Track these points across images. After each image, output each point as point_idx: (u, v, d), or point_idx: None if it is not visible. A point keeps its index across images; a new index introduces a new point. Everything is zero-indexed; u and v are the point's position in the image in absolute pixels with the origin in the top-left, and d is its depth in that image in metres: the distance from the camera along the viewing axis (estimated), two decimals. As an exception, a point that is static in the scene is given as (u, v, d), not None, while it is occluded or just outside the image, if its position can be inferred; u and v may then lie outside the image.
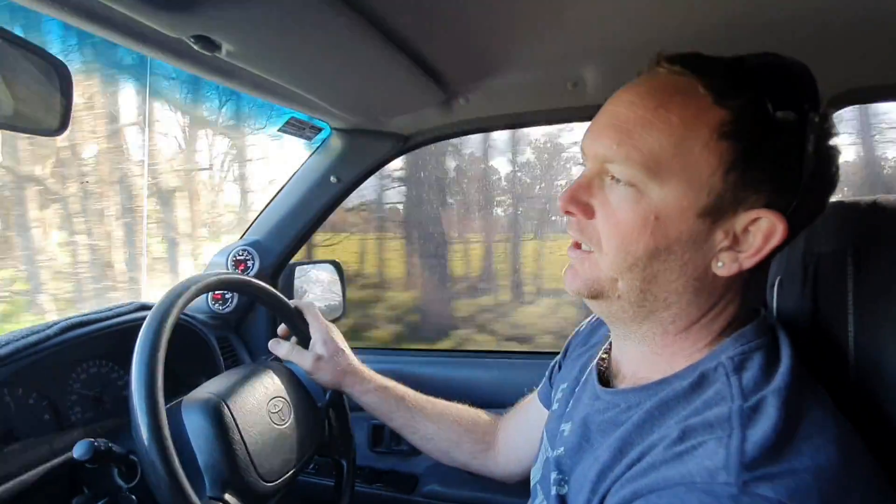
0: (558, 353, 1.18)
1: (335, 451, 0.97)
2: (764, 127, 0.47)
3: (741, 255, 0.50)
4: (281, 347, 0.96)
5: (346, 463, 0.97)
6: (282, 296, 0.95)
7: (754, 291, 0.56)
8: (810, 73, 0.49)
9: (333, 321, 1.48)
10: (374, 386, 0.95)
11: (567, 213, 0.54)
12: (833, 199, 0.54)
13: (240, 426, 0.76)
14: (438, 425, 0.93)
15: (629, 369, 0.60)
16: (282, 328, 0.99)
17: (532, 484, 0.70)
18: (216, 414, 0.75)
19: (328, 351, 0.94)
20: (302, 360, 0.94)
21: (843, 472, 0.41)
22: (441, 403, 0.97)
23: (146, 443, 0.64)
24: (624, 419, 0.53)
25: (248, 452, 0.75)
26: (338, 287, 1.52)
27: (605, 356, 0.66)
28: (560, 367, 0.81)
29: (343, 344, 0.97)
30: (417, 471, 1.27)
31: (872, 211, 0.59)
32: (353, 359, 0.97)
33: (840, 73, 0.92)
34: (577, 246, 0.56)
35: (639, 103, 0.50)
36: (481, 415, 0.96)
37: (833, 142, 0.50)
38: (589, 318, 0.81)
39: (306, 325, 0.97)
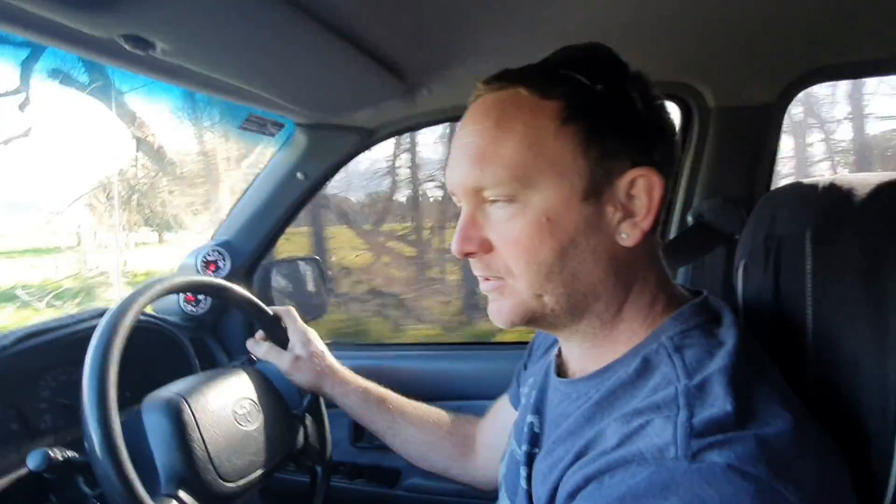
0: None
1: (309, 458, 0.96)
2: (591, 101, 0.51)
3: (637, 220, 0.51)
4: (259, 347, 0.95)
5: (320, 470, 0.96)
6: (255, 298, 0.94)
7: (660, 256, 0.58)
8: (608, 49, 0.54)
9: (315, 318, 1.48)
10: (354, 387, 0.94)
11: (466, 255, 0.55)
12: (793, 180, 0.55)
13: (200, 424, 0.75)
14: (419, 428, 0.92)
15: (577, 365, 0.60)
16: (259, 333, 0.99)
17: (498, 479, 0.69)
18: (174, 411, 0.74)
19: (306, 352, 0.94)
20: (280, 360, 0.93)
21: (793, 440, 0.41)
22: (422, 407, 0.96)
23: (98, 451, 0.63)
24: (573, 410, 0.53)
25: (208, 451, 0.74)
26: (319, 284, 1.51)
27: (558, 351, 0.67)
28: (526, 367, 0.81)
29: (322, 346, 0.97)
30: (399, 465, 1.27)
31: (830, 191, 0.58)
32: (333, 361, 0.96)
33: (808, 50, 0.91)
34: (487, 279, 0.56)
35: (480, 126, 0.52)
36: (464, 419, 0.95)
37: (652, 94, 0.54)
38: None
39: (284, 329, 0.97)
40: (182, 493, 0.70)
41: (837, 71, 0.95)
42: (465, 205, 0.55)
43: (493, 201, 0.52)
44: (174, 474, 0.72)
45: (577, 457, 0.48)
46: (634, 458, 0.42)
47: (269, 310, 0.97)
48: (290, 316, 0.98)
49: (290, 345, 0.95)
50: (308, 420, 0.97)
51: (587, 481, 0.44)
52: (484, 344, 1.44)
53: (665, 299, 0.55)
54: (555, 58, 0.55)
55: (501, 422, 0.86)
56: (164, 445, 0.73)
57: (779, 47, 0.89)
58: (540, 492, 0.53)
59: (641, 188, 0.51)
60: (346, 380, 0.95)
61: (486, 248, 0.54)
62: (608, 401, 0.50)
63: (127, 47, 0.61)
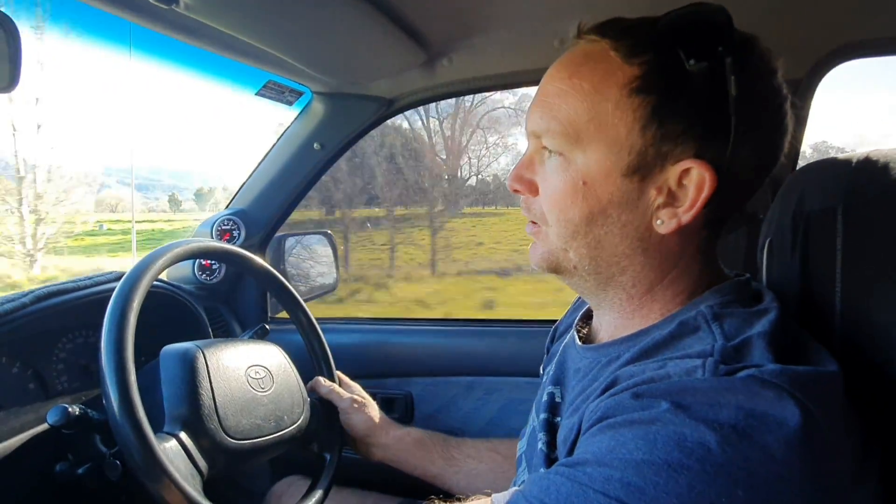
0: (551, 321, 1.18)
1: (318, 443, 0.94)
2: (675, 77, 0.46)
3: (679, 210, 0.49)
4: (321, 386, 0.97)
5: (329, 457, 0.95)
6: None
7: (714, 252, 0.56)
8: (727, 17, 0.46)
9: (326, 293, 1.48)
10: (406, 433, 0.96)
11: (515, 191, 0.57)
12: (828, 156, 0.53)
13: (211, 375, 0.76)
14: (478, 459, 0.91)
15: (606, 332, 0.59)
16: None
17: (518, 455, 0.70)
18: (189, 359, 0.76)
19: (363, 401, 0.97)
20: (341, 399, 0.96)
21: (824, 384, 0.41)
22: (471, 440, 0.95)
23: (115, 409, 0.63)
24: (601, 372, 0.53)
25: (215, 401, 0.75)
26: (330, 258, 1.51)
27: (582, 323, 0.66)
28: (548, 351, 0.80)
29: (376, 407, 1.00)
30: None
31: (864, 166, 0.56)
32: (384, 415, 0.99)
33: (838, 26, 0.88)
34: (533, 223, 0.58)
35: (556, 76, 0.52)
36: (512, 441, 0.91)
37: (771, 82, 0.49)
38: (571, 306, 0.80)
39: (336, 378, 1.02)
40: (183, 435, 0.71)
41: (871, 47, 0.92)
42: (529, 145, 0.56)
43: (548, 151, 0.53)
44: (178, 415, 0.72)
45: (603, 391, 0.47)
46: (661, 378, 0.43)
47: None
48: (345, 381, 1.03)
49: (349, 391, 0.99)
50: (320, 406, 0.96)
51: (608, 408, 0.44)
52: (500, 321, 1.43)
53: (707, 283, 0.53)
54: (665, 17, 0.49)
55: None
56: (174, 388, 0.74)
57: (809, 21, 0.87)
58: (561, 453, 0.52)
59: (693, 181, 0.48)
60: (399, 432, 0.96)
61: (533, 190, 0.55)
62: (640, 358, 0.49)
63: (151, 1, 0.60)
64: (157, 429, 0.67)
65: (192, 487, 0.66)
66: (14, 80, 0.56)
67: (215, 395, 0.75)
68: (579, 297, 0.77)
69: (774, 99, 0.49)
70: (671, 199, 0.49)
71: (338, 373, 1.02)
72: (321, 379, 0.99)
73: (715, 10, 0.46)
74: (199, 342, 0.80)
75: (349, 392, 0.98)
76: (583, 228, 0.51)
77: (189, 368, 0.75)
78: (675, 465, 0.36)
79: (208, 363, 0.77)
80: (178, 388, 0.74)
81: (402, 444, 0.94)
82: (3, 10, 0.57)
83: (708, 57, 0.45)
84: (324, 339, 1.02)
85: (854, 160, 0.58)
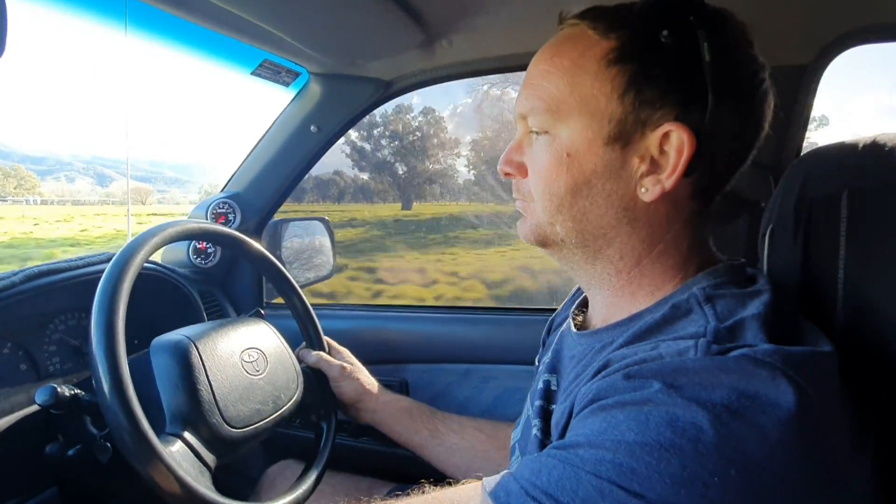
0: (549, 309, 1.17)
1: (315, 413, 0.96)
2: (650, 46, 0.48)
3: (662, 177, 0.50)
4: (310, 356, 0.99)
5: (325, 425, 0.96)
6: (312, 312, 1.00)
7: (704, 229, 0.56)
8: None
9: (322, 279, 1.47)
10: (395, 400, 0.98)
11: (506, 175, 0.59)
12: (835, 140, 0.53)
13: (207, 368, 0.75)
14: (461, 434, 0.92)
15: (599, 317, 0.60)
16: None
17: (511, 443, 0.69)
18: (183, 353, 0.74)
19: (353, 367, 0.99)
20: (330, 368, 0.97)
21: (818, 363, 0.41)
22: (459, 416, 0.97)
23: (105, 388, 0.62)
24: (595, 357, 0.53)
25: (214, 394, 0.74)
26: (326, 243, 1.50)
27: (577, 312, 0.67)
28: (544, 343, 0.80)
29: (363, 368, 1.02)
30: (403, 426, 1.27)
31: (871, 150, 0.55)
32: (374, 380, 1.01)
33: (845, 10, 0.86)
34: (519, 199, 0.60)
35: (539, 59, 0.54)
36: (501, 423, 0.95)
37: (746, 51, 0.51)
38: (568, 296, 0.80)
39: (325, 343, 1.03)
40: (187, 434, 0.70)
41: (878, 32, 0.90)
42: (518, 129, 0.58)
43: (534, 132, 0.55)
44: (179, 414, 0.72)
45: (596, 373, 0.47)
46: (653, 359, 0.42)
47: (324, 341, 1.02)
48: (335, 348, 1.04)
49: (339, 357, 1.01)
50: (314, 376, 0.97)
51: (600, 389, 0.43)
52: (495, 309, 1.42)
53: (698, 264, 0.54)
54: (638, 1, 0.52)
55: None
56: (171, 386, 0.73)
57: (816, 5, 0.85)
58: (554, 437, 0.52)
59: (673, 145, 0.48)
60: (388, 394, 0.99)
61: (523, 172, 0.57)
62: (633, 342, 0.49)
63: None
64: (158, 429, 0.66)
65: (204, 486, 0.66)
66: (0, 47, 0.54)
67: (213, 388, 0.75)
68: (576, 289, 0.77)
69: (750, 66, 0.51)
70: (654, 167, 0.50)
71: (326, 339, 1.03)
72: (305, 350, 1.01)
73: None
74: (188, 332, 0.79)
75: (339, 359, 1.00)
76: (568, 200, 0.53)
77: (184, 364, 0.74)
78: (668, 445, 0.36)
79: (202, 355, 0.76)
80: (176, 386, 0.73)
81: (389, 410, 0.96)
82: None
83: (680, 27, 0.48)
84: (318, 325, 1.02)
85: (861, 144, 0.56)
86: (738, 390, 0.37)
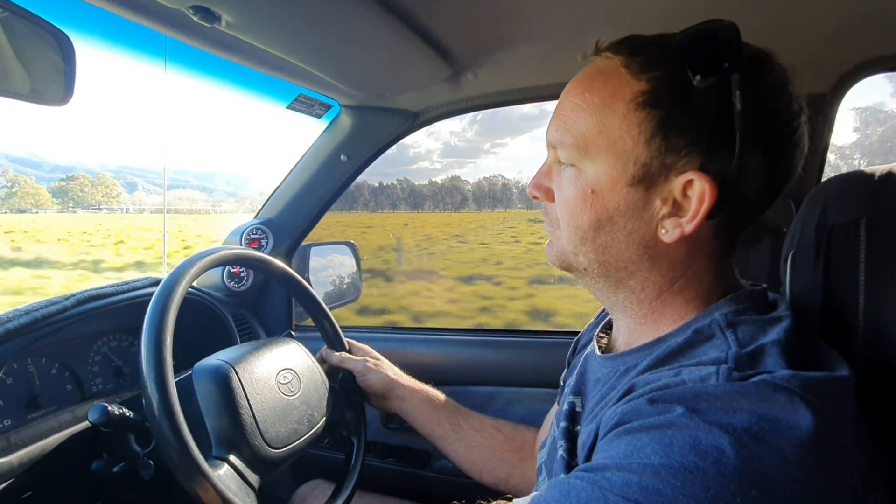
0: (572, 332, 1.18)
1: (346, 429, 0.99)
2: (681, 92, 0.48)
3: (682, 221, 0.50)
4: (333, 356, 1.03)
5: (356, 441, 0.99)
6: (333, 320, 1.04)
7: (728, 262, 0.57)
8: (735, 34, 0.47)
9: (349, 302, 1.51)
10: (420, 391, 1.00)
11: (534, 198, 0.60)
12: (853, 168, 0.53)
13: (247, 392, 0.78)
14: (481, 434, 0.94)
15: (623, 340, 0.61)
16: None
17: (538, 465, 0.70)
18: (224, 379, 0.78)
19: (375, 361, 1.02)
20: (354, 364, 1.01)
21: (839, 390, 0.42)
22: (479, 415, 0.99)
23: (155, 408, 0.66)
24: (620, 381, 0.54)
25: (255, 417, 0.77)
26: (353, 268, 1.54)
27: (602, 334, 0.68)
28: (569, 363, 0.81)
29: (387, 363, 1.05)
30: (429, 447, 1.28)
31: (887, 179, 0.56)
32: (399, 372, 1.04)
33: (862, 41, 0.88)
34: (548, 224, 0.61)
35: (571, 91, 0.55)
36: (520, 426, 0.96)
37: (782, 97, 0.50)
38: (595, 316, 0.81)
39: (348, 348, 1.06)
40: (233, 457, 0.74)
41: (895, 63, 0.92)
42: (549, 155, 0.59)
43: (562, 163, 0.56)
44: (224, 438, 0.75)
45: (620, 397, 0.49)
46: (676, 384, 0.44)
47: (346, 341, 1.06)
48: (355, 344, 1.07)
49: (361, 354, 1.04)
50: (344, 394, 0.99)
51: (624, 413, 0.45)
52: (519, 332, 1.43)
53: (721, 292, 0.54)
54: (680, 35, 0.50)
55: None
56: (215, 411, 0.76)
57: (833, 36, 0.87)
58: (580, 460, 0.53)
59: (696, 193, 0.49)
60: (414, 384, 1.01)
61: (550, 197, 0.59)
62: (656, 366, 0.50)
63: (195, 19, 0.63)
64: (205, 450, 0.69)
65: None
66: (68, 93, 0.59)
67: (254, 411, 0.78)
68: (601, 311, 0.78)
69: (784, 113, 0.50)
70: (676, 210, 0.51)
71: (348, 339, 1.06)
72: (329, 350, 1.04)
73: (724, 27, 0.47)
74: (227, 357, 0.82)
75: (361, 355, 1.03)
76: (590, 234, 0.54)
77: (225, 388, 0.77)
78: (691, 467, 0.37)
79: (242, 380, 0.79)
80: (219, 410, 0.76)
81: (416, 399, 0.99)
82: (57, 26, 0.60)
83: (714, 73, 0.47)
84: (346, 344, 1.05)
85: (877, 173, 0.58)
86: (759, 414, 0.38)
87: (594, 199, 0.53)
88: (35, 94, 0.58)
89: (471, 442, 0.94)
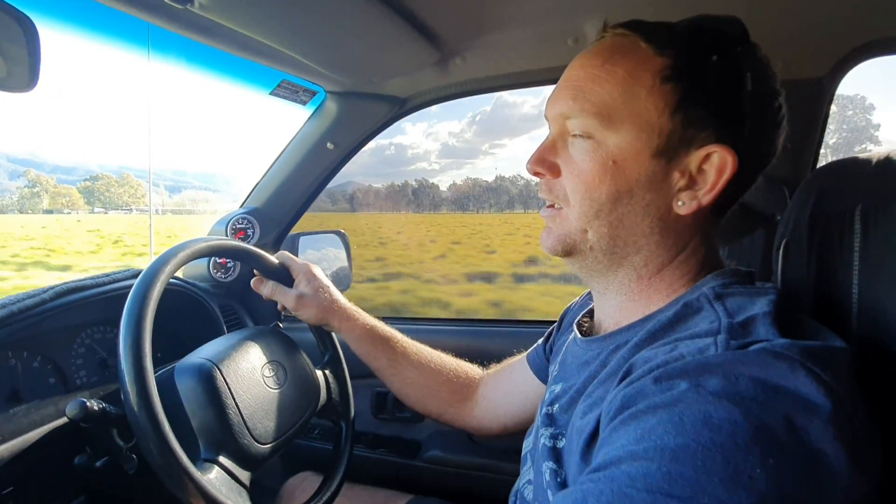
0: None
1: (333, 414, 0.98)
2: (701, 69, 0.51)
3: (699, 193, 0.53)
4: (264, 287, 0.96)
5: (344, 425, 0.98)
6: (262, 252, 0.94)
7: (715, 240, 0.59)
8: (741, 25, 0.53)
9: (340, 290, 1.49)
10: (360, 323, 0.96)
11: (536, 174, 0.59)
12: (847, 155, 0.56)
13: (232, 390, 0.76)
14: (419, 371, 0.94)
15: (611, 321, 0.60)
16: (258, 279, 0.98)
17: (523, 454, 0.70)
18: (208, 378, 0.76)
19: (311, 288, 0.94)
20: (285, 298, 0.94)
21: (835, 358, 0.41)
22: (426, 350, 0.98)
23: (134, 406, 0.64)
24: (611, 359, 0.54)
25: (242, 415, 0.76)
26: (343, 257, 1.52)
27: (584, 319, 0.68)
28: (554, 340, 0.81)
29: (327, 282, 0.97)
30: (420, 437, 1.28)
31: (884, 165, 0.55)
32: (339, 296, 0.97)
33: (860, 23, 0.86)
34: (550, 206, 0.60)
35: (588, 63, 0.55)
36: (465, 367, 0.97)
37: (773, 83, 0.53)
38: (581, 295, 0.81)
39: (287, 270, 0.97)
40: (222, 458, 0.72)
41: (893, 46, 0.90)
42: (552, 130, 0.59)
43: (575, 136, 0.55)
44: (213, 439, 0.73)
45: (621, 380, 0.47)
46: (675, 360, 0.43)
47: (271, 257, 0.96)
48: (289, 256, 0.98)
49: (294, 283, 0.96)
50: (330, 378, 0.98)
51: (626, 396, 0.43)
52: (516, 322, 1.42)
53: (709, 269, 0.56)
54: (687, 21, 0.55)
55: (512, 379, 0.89)
56: (200, 410, 0.74)
57: (830, 18, 0.86)
58: (574, 444, 0.51)
59: (714, 164, 0.51)
60: (353, 315, 0.96)
61: (555, 172, 0.58)
62: (648, 341, 0.50)
63: (167, 0, 0.60)
64: (192, 450, 0.67)
65: None
66: (34, 79, 0.57)
67: (241, 408, 0.76)
68: (585, 293, 0.78)
69: (776, 98, 0.54)
70: (691, 183, 0.53)
71: (283, 252, 0.99)
72: (258, 279, 0.96)
73: (731, 20, 0.53)
74: (209, 354, 0.80)
75: (298, 280, 0.96)
76: (607, 206, 0.54)
77: (209, 388, 0.75)
78: (708, 444, 0.36)
79: (226, 379, 0.77)
80: (204, 410, 0.74)
81: (351, 334, 0.95)
82: (20, 9, 0.58)
83: (725, 53, 0.51)
84: (335, 337, 1.03)
85: (874, 160, 0.57)
86: (760, 382, 0.38)
87: (615, 169, 0.53)
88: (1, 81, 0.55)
89: (406, 378, 0.94)
